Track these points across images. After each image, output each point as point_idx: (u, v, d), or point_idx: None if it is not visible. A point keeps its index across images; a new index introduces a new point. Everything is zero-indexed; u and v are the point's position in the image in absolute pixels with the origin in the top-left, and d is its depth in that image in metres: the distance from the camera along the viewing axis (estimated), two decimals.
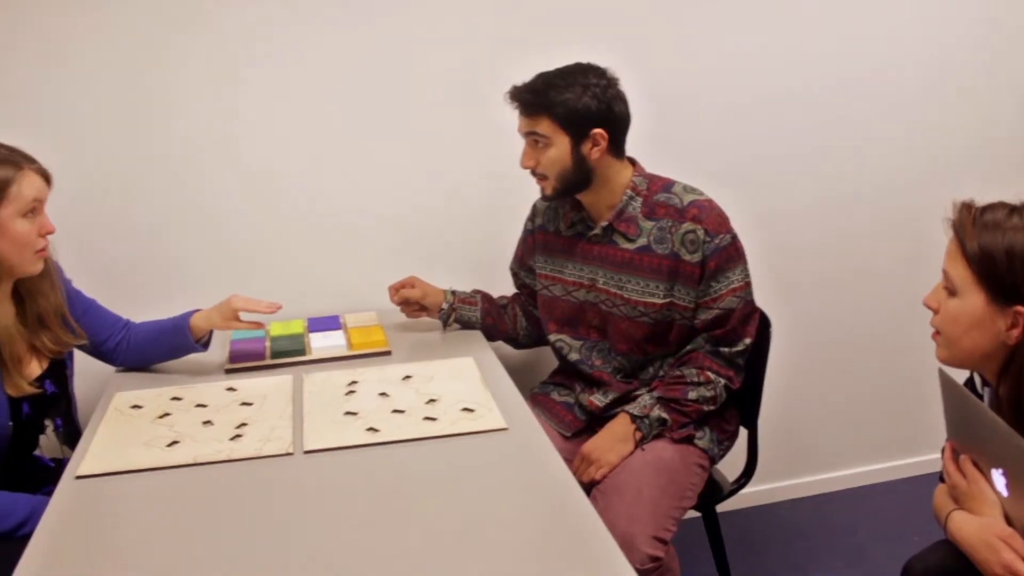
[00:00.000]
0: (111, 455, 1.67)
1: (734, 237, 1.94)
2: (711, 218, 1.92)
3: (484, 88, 2.37)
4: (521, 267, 2.23)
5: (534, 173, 1.96)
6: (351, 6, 2.28)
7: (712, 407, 1.97)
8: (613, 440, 1.93)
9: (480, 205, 2.46)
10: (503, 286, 2.33)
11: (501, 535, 1.37)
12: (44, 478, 1.81)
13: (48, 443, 1.86)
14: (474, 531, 1.38)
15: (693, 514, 2.07)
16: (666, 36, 2.46)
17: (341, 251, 2.42)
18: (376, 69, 2.32)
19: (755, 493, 2.84)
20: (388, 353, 2.11)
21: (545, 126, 1.89)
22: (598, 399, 2.04)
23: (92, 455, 1.67)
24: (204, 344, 2.05)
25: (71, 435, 1.88)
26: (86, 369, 2.04)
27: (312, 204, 2.38)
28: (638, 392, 2.01)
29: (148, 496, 1.54)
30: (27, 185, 1.70)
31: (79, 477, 1.60)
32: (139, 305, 2.16)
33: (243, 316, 2.01)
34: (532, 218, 2.18)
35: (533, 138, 1.92)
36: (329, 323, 2.27)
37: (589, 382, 2.08)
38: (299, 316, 2.35)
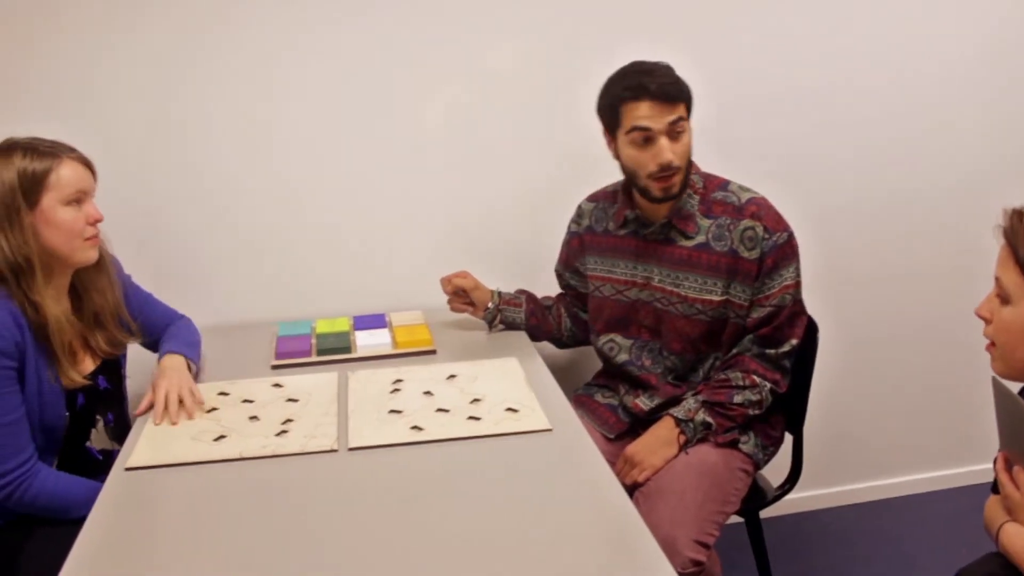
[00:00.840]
0: (159, 448, 1.70)
1: (791, 235, 1.93)
2: (769, 215, 1.91)
3: (529, 90, 2.38)
4: (566, 268, 2.22)
5: (668, 170, 1.87)
6: (394, 6, 2.28)
7: (758, 411, 1.95)
8: (657, 443, 1.92)
9: (526, 205, 2.46)
10: (548, 287, 2.33)
11: (543, 536, 1.37)
12: (93, 469, 1.85)
13: (98, 436, 1.89)
14: (516, 531, 1.39)
15: (736, 519, 2.06)
16: (710, 32, 2.44)
17: (387, 250, 2.44)
18: (421, 70, 2.33)
19: (800, 499, 2.81)
20: (433, 352, 2.12)
21: (683, 110, 1.87)
22: (643, 402, 2.03)
23: (141, 447, 1.70)
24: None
25: (121, 431, 1.91)
26: (140, 361, 2.07)
27: (359, 203, 2.40)
28: (684, 396, 2.00)
29: (194, 489, 1.56)
30: (66, 173, 1.72)
31: (128, 469, 1.62)
32: (190, 304, 2.21)
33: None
34: (577, 220, 2.17)
35: (676, 127, 1.86)
36: (375, 321, 2.29)
37: (635, 384, 2.07)
38: (345, 314, 2.38)
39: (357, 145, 2.36)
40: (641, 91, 1.84)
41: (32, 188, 1.69)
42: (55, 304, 1.73)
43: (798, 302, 1.96)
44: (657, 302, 2.01)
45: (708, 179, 1.99)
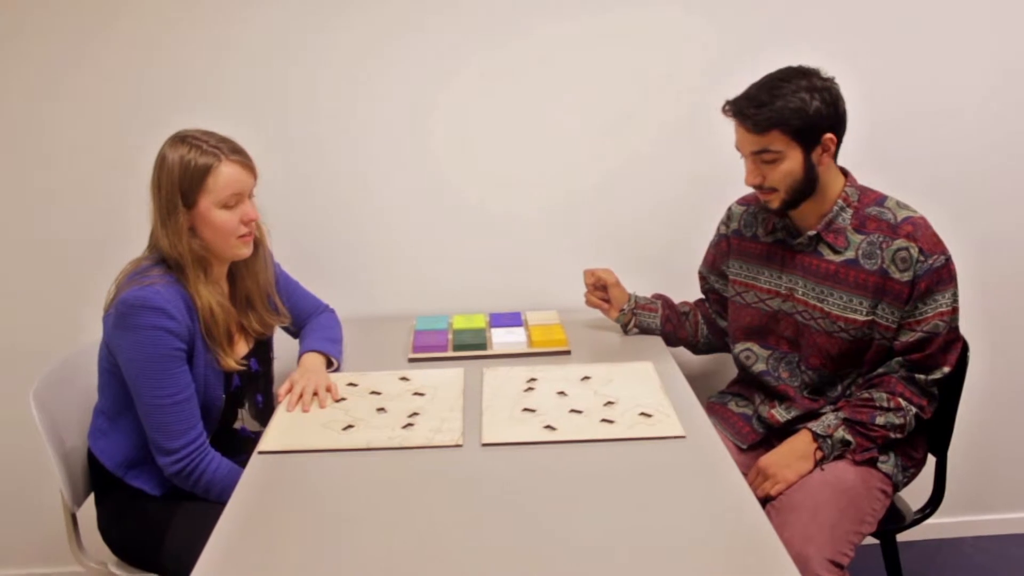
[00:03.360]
0: (291, 434, 1.76)
1: (948, 259, 1.84)
2: (926, 236, 1.83)
3: (681, 93, 2.36)
4: (711, 271, 2.20)
5: (760, 188, 1.89)
6: (554, 7, 2.30)
7: (899, 435, 1.88)
8: (792, 456, 1.88)
9: (668, 209, 2.45)
10: (688, 292, 2.31)
11: (673, 544, 1.37)
12: (241, 448, 1.94)
13: (245, 417, 1.98)
14: (647, 537, 1.38)
15: (871, 541, 1.99)
16: (877, 38, 2.36)
17: (526, 248, 2.46)
18: (571, 68, 2.34)
19: (939, 525, 2.70)
20: (567, 353, 2.13)
21: (777, 141, 1.81)
22: (779, 413, 1.99)
23: (273, 433, 1.77)
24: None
25: (269, 412, 1.99)
26: (285, 347, 2.15)
27: (501, 202, 2.43)
28: (823, 410, 1.95)
29: (324, 476, 1.60)
30: (225, 174, 1.76)
31: (260, 452, 1.69)
32: (333, 296, 2.29)
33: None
34: (727, 222, 2.14)
35: (762, 155, 1.85)
36: (511, 319, 2.32)
37: (771, 395, 2.03)
38: (481, 311, 2.42)
39: (504, 145, 2.39)
40: None
41: (190, 189, 1.75)
42: (209, 294, 1.80)
43: (953, 329, 1.87)
44: (799, 315, 1.97)
45: (864, 192, 1.92)
